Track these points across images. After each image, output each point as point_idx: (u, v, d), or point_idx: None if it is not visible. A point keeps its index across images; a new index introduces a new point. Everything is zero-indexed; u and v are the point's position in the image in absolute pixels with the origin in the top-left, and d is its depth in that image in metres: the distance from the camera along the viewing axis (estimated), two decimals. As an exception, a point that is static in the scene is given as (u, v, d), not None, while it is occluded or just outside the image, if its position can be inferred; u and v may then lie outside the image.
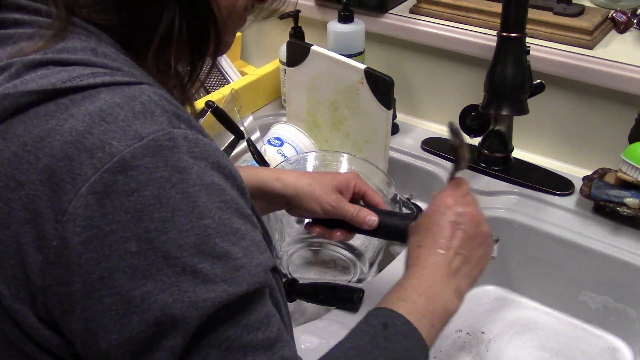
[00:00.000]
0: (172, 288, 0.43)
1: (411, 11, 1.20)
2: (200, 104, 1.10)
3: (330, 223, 0.81)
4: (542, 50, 1.04)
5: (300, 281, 0.87)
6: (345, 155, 1.07)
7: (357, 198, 0.83)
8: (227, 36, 0.58)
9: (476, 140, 1.08)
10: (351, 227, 0.80)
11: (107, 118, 0.44)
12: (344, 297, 0.83)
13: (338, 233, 0.81)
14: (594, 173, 0.99)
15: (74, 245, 0.43)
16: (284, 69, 1.20)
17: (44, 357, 0.48)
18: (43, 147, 0.44)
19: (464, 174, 1.08)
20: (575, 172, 1.06)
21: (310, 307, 0.91)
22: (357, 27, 1.16)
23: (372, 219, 0.78)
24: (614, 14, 1.08)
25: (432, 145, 1.15)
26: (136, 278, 0.43)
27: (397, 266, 0.91)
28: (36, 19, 0.50)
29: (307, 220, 0.84)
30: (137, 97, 0.45)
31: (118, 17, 0.50)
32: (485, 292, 1.04)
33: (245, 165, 1.09)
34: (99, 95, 0.45)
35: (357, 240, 1.02)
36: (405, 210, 0.94)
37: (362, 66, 1.04)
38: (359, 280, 0.96)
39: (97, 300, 0.43)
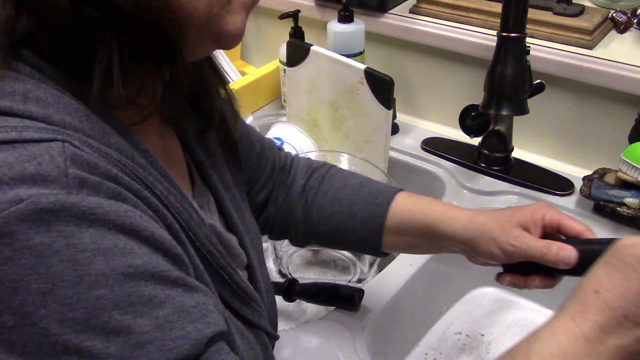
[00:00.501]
0: None
1: (411, 11, 1.20)
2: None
3: (525, 269, 0.66)
4: (542, 50, 1.04)
5: (300, 281, 0.87)
6: (345, 155, 1.08)
7: (552, 233, 0.66)
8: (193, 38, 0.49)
9: (476, 140, 1.08)
10: (550, 269, 0.63)
11: None
12: (344, 297, 0.83)
13: (536, 280, 0.65)
14: (594, 173, 0.99)
15: None
16: (284, 69, 1.20)
17: None
18: None
19: (465, 172, 1.08)
20: (575, 172, 1.05)
21: (310, 307, 0.91)
22: (357, 27, 1.16)
23: (567, 253, 0.61)
24: (614, 14, 1.08)
25: (432, 145, 1.15)
26: (14, 355, 0.39)
27: (397, 266, 0.91)
28: None
29: (498, 270, 0.70)
30: (36, 157, 0.40)
31: (59, 53, 0.45)
32: (485, 294, 1.04)
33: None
34: None
35: (357, 240, 1.02)
36: None
37: (362, 66, 1.04)
38: (359, 280, 0.96)
39: None
